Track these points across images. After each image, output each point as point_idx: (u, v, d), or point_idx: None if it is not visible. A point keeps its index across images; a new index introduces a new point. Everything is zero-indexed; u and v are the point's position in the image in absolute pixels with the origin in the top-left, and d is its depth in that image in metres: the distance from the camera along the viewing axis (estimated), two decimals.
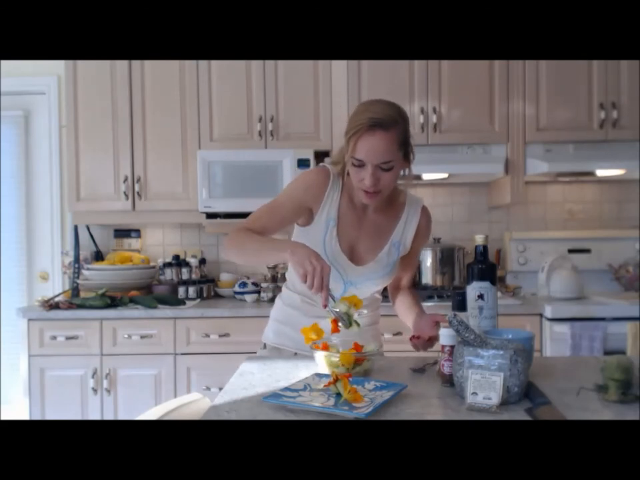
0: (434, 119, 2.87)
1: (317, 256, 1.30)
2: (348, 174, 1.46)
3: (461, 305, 1.38)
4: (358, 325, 1.36)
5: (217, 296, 3.15)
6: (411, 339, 1.44)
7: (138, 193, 2.97)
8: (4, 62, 3.10)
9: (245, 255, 1.49)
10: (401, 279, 1.67)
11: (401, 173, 1.46)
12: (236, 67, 2.93)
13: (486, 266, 1.35)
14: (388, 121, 1.35)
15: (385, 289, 1.67)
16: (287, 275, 1.69)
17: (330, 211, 1.50)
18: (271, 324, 1.68)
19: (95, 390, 2.69)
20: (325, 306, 1.30)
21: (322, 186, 1.49)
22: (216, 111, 2.95)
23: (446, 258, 3.00)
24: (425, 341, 1.42)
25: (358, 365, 1.28)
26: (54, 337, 2.69)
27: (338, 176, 1.52)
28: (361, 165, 1.38)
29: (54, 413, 2.70)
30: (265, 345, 1.68)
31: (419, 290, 2.95)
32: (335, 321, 1.35)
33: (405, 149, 1.41)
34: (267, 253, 1.44)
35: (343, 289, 1.54)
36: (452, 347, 1.21)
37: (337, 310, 1.35)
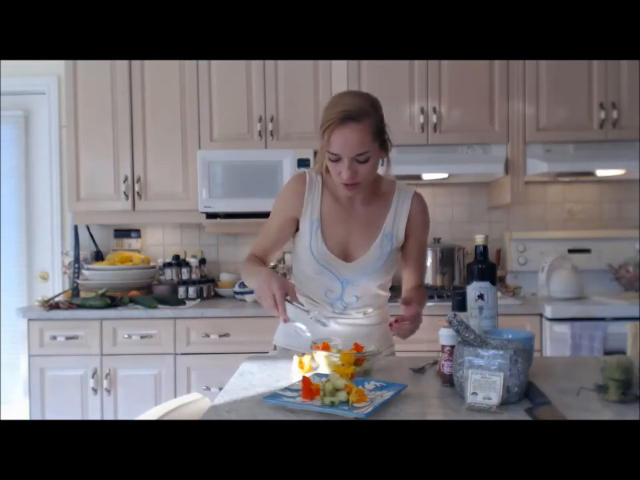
0: (434, 118, 2.87)
1: (275, 283, 1.33)
2: (327, 170, 1.47)
3: (461, 305, 1.38)
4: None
5: (217, 296, 3.15)
6: (390, 325, 1.39)
7: (138, 193, 2.97)
8: (4, 62, 3.10)
9: (247, 284, 1.59)
10: (410, 280, 1.59)
11: (380, 163, 1.46)
12: (236, 66, 2.93)
13: (486, 266, 1.35)
14: (359, 112, 1.35)
15: (394, 289, 1.66)
16: (292, 279, 1.67)
17: (312, 214, 1.51)
18: (282, 325, 1.65)
19: (95, 390, 2.69)
20: (285, 320, 1.33)
21: (300, 192, 1.51)
22: (216, 111, 2.95)
23: (446, 258, 3.00)
24: (404, 324, 1.37)
25: (358, 365, 1.28)
26: (54, 337, 2.69)
27: (317, 175, 1.53)
28: (337, 158, 1.38)
29: (54, 413, 2.70)
30: (275, 346, 1.67)
31: None
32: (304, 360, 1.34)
33: (380, 138, 1.41)
34: (251, 283, 1.48)
35: (341, 288, 1.53)
36: (452, 346, 1.21)
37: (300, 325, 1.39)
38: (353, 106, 1.35)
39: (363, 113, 1.35)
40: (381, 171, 1.49)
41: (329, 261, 1.50)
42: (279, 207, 1.57)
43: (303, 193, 1.51)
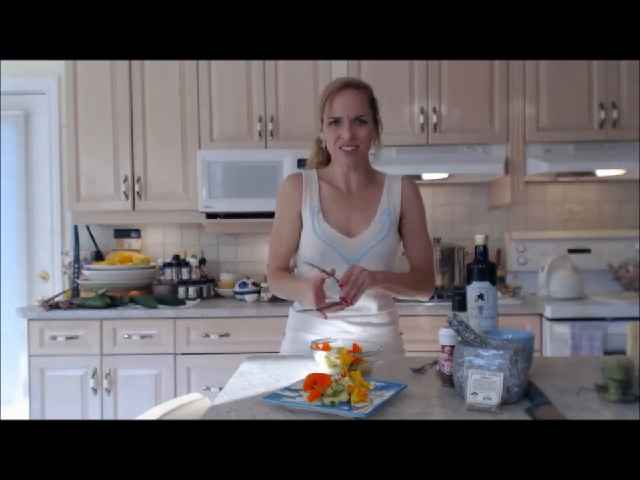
0: (434, 119, 2.87)
1: (310, 291, 1.37)
2: (325, 162, 1.63)
3: (461, 305, 1.38)
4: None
5: (217, 296, 3.15)
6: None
7: (138, 193, 2.97)
8: (4, 62, 3.10)
9: (289, 297, 1.66)
10: (412, 266, 1.67)
11: (372, 145, 1.58)
12: (236, 66, 2.93)
13: (486, 266, 1.35)
14: (358, 82, 1.56)
15: None
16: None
17: (312, 202, 1.59)
18: (288, 334, 1.66)
19: (95, 390, 2.69)
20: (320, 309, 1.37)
21: (297, 187, 1.61)
22: (216, 111, 2.95)
23: (446, 258, 3.00)
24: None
25: (358, 366, 1.27)
26: (54, 337, 2.69)
27: (312, 172, 1.65)
28: (337, 121, 1.52)
29: (54, 413, 2.70)
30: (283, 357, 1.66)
31: None
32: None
33: (374, 111, 1.57)
34: (296, 297, 1.63)
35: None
36: (452, 347, 1.21)
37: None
38: (351, 79, 1.57)
39: (361, 83, 1.56)
40: (372, 159, 1.64)
41: (333, 238, 1.55)
42: (283, 207, 1.62)
43: (300, 187, 1.61)
